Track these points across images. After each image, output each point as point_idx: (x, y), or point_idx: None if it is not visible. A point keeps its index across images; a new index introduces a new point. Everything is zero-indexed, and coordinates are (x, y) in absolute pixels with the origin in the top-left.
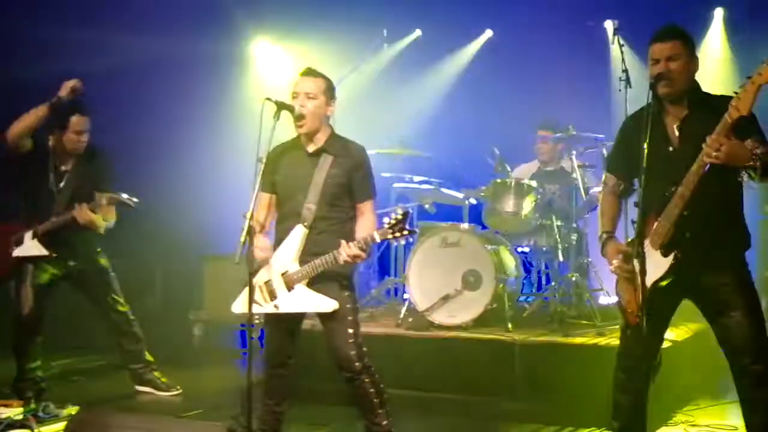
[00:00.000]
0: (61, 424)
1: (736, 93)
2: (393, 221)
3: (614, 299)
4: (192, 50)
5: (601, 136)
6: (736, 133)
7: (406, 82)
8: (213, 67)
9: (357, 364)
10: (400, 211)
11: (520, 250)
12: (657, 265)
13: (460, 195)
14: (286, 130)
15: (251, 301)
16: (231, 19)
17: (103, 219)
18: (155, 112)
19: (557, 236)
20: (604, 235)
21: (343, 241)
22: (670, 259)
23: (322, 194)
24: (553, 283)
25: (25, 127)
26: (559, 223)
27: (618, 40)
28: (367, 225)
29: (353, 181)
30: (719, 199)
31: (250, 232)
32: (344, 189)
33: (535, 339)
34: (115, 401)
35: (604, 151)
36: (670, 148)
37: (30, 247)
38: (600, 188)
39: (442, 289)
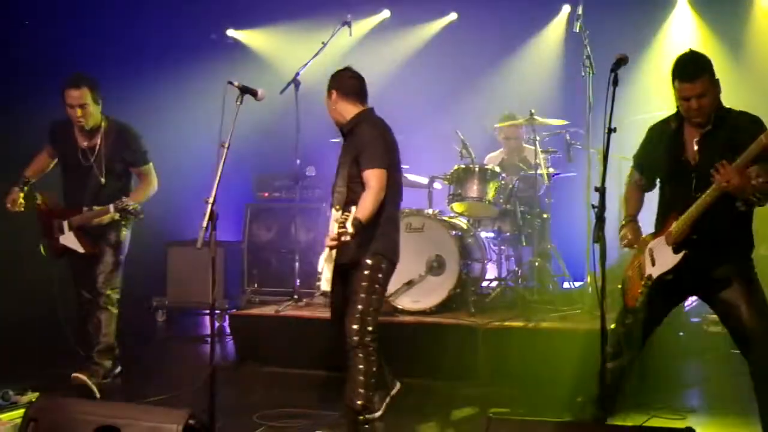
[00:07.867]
0: (21, 411)
1: None
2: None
3: (578, 284)
4: (155, 37)
5: (564, 122)
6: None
7: (371, 66)
8: (176, 54)
9: (355, 338)
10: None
11: (484, 235)
12: (666, 260)
13: (425, 180)
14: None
15: (213, 282)
16: (198, 6)
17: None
18: (119, 99)
19: (521, 222)
20: (627, 219)
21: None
22: (678, 257)
23: (343, 175)
24: (516, 269)
25: None
26: (522, 208)
27: (581, 26)
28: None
29: (359, 153)
30: (731, 207)
31: (212, 218)
32: (356, 164)
33: (498, 324)
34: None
35: (568, 137)
36: (691, 161)
37: (68, 238)
38: (563, 173)
39: (406, 274)
